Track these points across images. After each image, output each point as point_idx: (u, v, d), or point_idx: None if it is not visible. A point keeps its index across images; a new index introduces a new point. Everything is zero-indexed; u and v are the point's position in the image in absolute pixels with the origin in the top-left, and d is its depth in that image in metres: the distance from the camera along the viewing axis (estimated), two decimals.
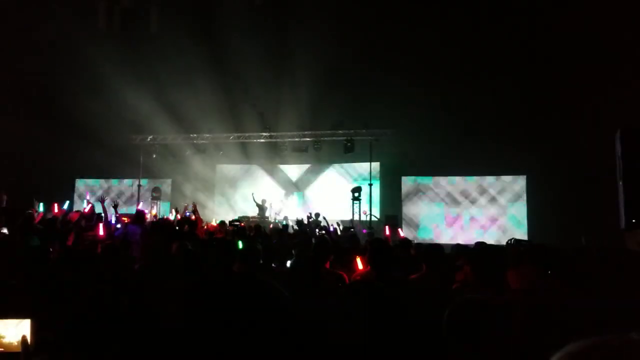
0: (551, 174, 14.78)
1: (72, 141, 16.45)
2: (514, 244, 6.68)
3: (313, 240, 5.94)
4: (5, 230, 6.10)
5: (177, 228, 8.58)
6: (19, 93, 15.77)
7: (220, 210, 18.64)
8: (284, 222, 14.34)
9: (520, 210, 16.92)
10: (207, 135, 18.58)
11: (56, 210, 8.29)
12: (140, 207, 11.71)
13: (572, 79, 13.36)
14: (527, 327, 2.07)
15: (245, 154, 19.17)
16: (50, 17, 13.88)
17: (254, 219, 15.08)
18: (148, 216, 12.28)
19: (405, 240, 6.58)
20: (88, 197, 10.26)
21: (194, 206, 11.08)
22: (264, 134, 18.49)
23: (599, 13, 12.15)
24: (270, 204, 17.01)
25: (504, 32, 13.84)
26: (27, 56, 14.57)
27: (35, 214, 7.61)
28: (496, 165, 16.61)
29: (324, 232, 11.10)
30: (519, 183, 17.05)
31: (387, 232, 8.06)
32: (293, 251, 6.77)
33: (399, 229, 9.64)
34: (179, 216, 11.27)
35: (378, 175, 18.21)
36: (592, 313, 2.39)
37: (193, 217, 10.37)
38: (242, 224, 11.38)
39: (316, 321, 1.97)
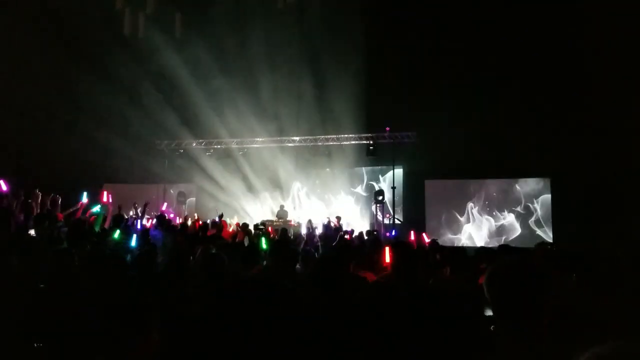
0: (576, 176, 14.51)
1: (99, 146, 16.73)
2: (541, 248, 6.59)
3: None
4: (32, 232, 6.19)
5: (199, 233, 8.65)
6: (45, 98, 16.06)
7: (244, 214, 18.70)
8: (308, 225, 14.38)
9: (545, 213, 16.67)
10: (232, 139, 18.71)
11: (85, 199, 8.38)
12: (165, 210, 11.80)
13: (597, 80, 13.12)
14: (552, 331, 2.04)
15: (269, 158, 19.21)
16: (77, 23, 14.13)
17: (278, 223, 15.15)
18: (180, 221, 12.39)
19: (433, 243, 6.55)
20: (110, 200, 10.35)
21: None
22: (284, 138, 18.54)
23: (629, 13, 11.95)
24: (294, 207, 17.04)
25: (530, 33, 13.69)
26: (54, 61, 14.84)
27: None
28: (521, 168, 16.37)
29: (346, 235, 11.11)
30: (543, 186, 16.81)
31: (412, 237, 7.84)
32: (316, 254, 6.77)
33: (424, 234, 9.37)
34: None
35: (401, 179, 18.10)
36: (617, 318, 2.35)
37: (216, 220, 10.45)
38: (269, 229, 11.47)
39: (335, 325, 1.97)
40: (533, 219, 16.81)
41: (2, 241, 5.34)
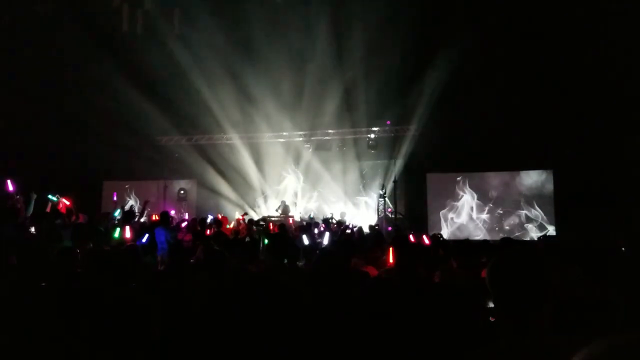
0: (579, 168, 14.44)
1: (99, 143, 16.72)
2: (544, 240, 6.59)
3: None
4: (32, 230, 6.18)
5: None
6: (45, 97, 16.05)
7: (246, 210, 18.64)
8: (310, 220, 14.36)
9: (548, 206, 16.61)
10: (233, 135, 18.67)
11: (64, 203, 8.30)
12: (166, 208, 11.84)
13: (601, 70, 13.06)
14: (554, 322, 2.03)
15: (270, 153, 19.16)
16: (75, 20, 14.12)
17: (278, 219, 15.13)
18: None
19: (435, 238, 6.54)
20: (115, 199, 10.38)
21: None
22: (285, 133, 18.51)
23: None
24: (294, 202, 17.01)
25: (533, 24, 13.63)
26: (53, 60, 14.83)
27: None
28: (523, 160, 16.30)
29: (348, 230, 11.11)
30: (546, 177, 16.75)
31: (412, 239, 7.62)
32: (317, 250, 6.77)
33: (424, 235, 8.97)
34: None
35: (402, 173, 18.02)
36: (620, 309, 2.34)
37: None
38: (270, 225, 11.47)
39: (334, 319, 1.96)
40: (535, 211, 16.75)
41: (4, 240, 5.34)
